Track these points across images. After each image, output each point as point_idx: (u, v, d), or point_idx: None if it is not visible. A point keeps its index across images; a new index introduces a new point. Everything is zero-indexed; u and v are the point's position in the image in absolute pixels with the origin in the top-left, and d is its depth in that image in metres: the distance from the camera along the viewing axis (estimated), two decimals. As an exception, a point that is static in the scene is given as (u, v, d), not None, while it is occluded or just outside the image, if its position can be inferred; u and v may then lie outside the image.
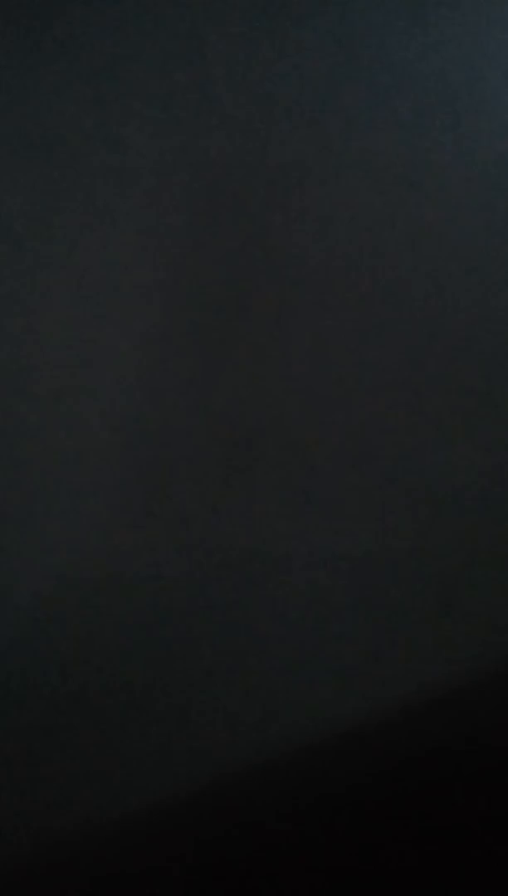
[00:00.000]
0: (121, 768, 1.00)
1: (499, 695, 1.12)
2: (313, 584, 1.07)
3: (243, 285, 1.05)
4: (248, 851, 1.03)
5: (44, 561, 0.98)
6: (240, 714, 1.04)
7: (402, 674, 1.09)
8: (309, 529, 1.07)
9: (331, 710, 1.06)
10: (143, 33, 1.02)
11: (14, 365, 0.98)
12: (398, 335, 1.11)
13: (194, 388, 1.03)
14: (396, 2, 1.12)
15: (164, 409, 1.02)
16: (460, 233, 1.13)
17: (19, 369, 0.99)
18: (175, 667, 1.02)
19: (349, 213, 1.09)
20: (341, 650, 1.07)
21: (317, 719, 1.06)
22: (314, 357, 1.08)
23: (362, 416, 1.09)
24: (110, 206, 1.01)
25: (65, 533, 0.99)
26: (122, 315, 1.01)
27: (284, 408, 1.06)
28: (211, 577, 1.03)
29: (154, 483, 1.02)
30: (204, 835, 1.02)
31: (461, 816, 1.10)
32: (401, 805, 1.08)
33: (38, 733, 0.98)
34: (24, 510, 0.98)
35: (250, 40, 1.06)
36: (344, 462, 1.08)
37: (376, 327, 1.10)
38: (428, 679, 1.10)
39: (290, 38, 1.07)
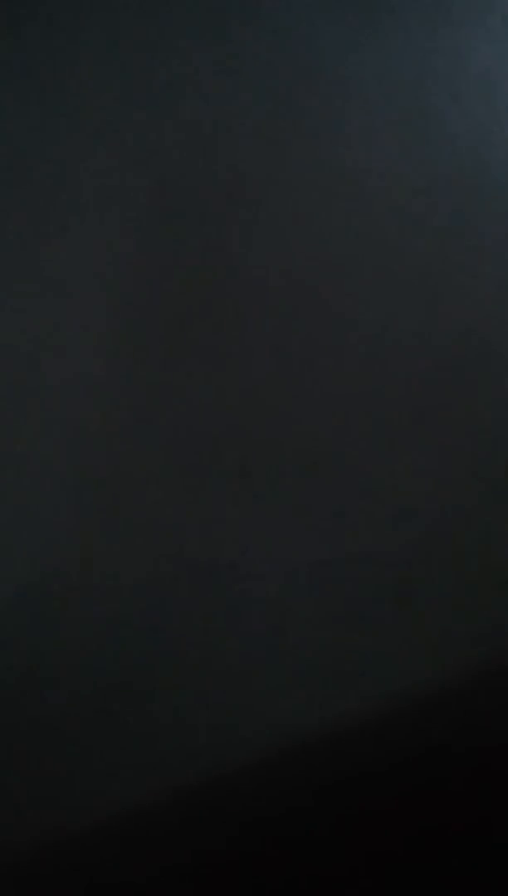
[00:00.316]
0: (73, 776, 1.00)
1: (463, 698, 1.12)
2: (274, 589, 1.07)
3: (201, 289, 1.05)
4: (232, 854, 1.03)
5: (11, 569, 0.99)
6: (202, 721, 1.03)
7: (366, 680, 1.09)
8: (270, 535, 1.07)
9: (295, 719, 1.06)
10: (93, 38, 1.03)
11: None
12: (361, 341, 1.11)
13: (155, 395, 1.03)
14: (351, 10, 1.12)
15: (125, 417, 1.03)
16: (417, 240, 1.14)
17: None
18: (139, 674, 1.02)
19: (308, 224, 1.10)
20: (304, 657, 1.07)
21: (280, 726, 1.06)
22: (273, 364, 1.08)
23: (321, 422, 1.09)
24: (65, 213, 1.01)
25: (25, 541, 0.99)
26: (81, 321, 1.01)
27: (243, 415, 1.07)
28: (172, 584, 1.03)
29: (113, 491, 1.02)
30: (178, 842, 1.02)
31: (440, 818, 1.10)
32: (372, 809, 1.08)
33: (16, 741, 0.98)
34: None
35: (204, 46, 1.06)
36: (305, 468, 1.09)
37: (333, 335, 1.10)
38: (393, 684, 1.10)
39: (246, 44, 1.08)
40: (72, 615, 1.00)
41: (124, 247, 1.03)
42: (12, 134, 1.00)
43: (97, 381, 1.01)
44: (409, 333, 1.13)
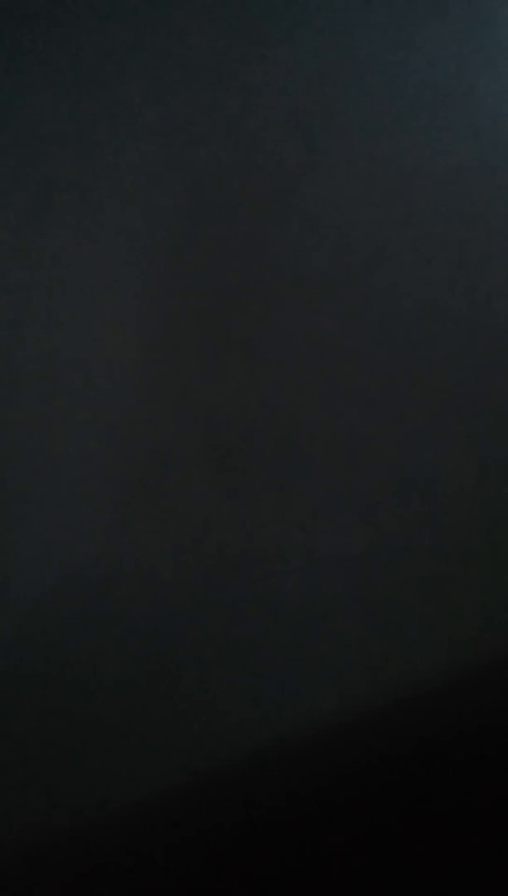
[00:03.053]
0: (119, 763, 1.01)
1: (495, 690, 1.12)
2: (307, 583, 1.07)
3: (235, 287, 1.05)
4: (242, 845, 1.04)
5: (37, 564, 0.99)
6: (235, 713, 1.04)
7: (399, 671, 1.09)
8: (302, 529, 1.07)
9: (327, 709, 1.06)
10: (133, 38, 1.02)
11: (4, 367, 0.99)
12: (390, 335, 1.10)
13: (184, 390, 1.03)
14: (385, 7, 1.11)
15: (155, 411, 1.02)
16: (453, 235, 1.13)
17: (10, 372, 0.99)
18: (171, 667, 1.02)
19: (341, 216, 1.09)
20: (336, 649, 1.07)
21: (313, 718, 1.06)
22: (307, 358, 1.07)
23: (354, 415, 1.09)
24: (104, 210, 1.01)
25: (58, 536, 0.99)
26: (114, 317, 1.01)
27: (275, 408, 1.06)
28: (205, 578, 1.03)
29: (146, 485, 1.02)
30: (193, 830, 1.03)
31: (459, 811, 1.11)
32: (400, 798, 1.09)
33: (34, 733, 0.99)
34: (14, 514, 0.99)
35: (240, 46, 1.05)
36: (337, 461, 1.08)
37: (368, 328, 1.10)
38: (425, 675, 1.10)
39: (282, 35, 1.06)
40: (106, 609, 1.00)
41: (160, 239, 1.02)
42: (51, 126, 0.99)
43: (132, 373, 1.01)
44: (448, 323, 1.12)
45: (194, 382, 1.03)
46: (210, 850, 1.02)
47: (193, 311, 1.03)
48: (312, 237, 1.07)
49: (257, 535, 1.05)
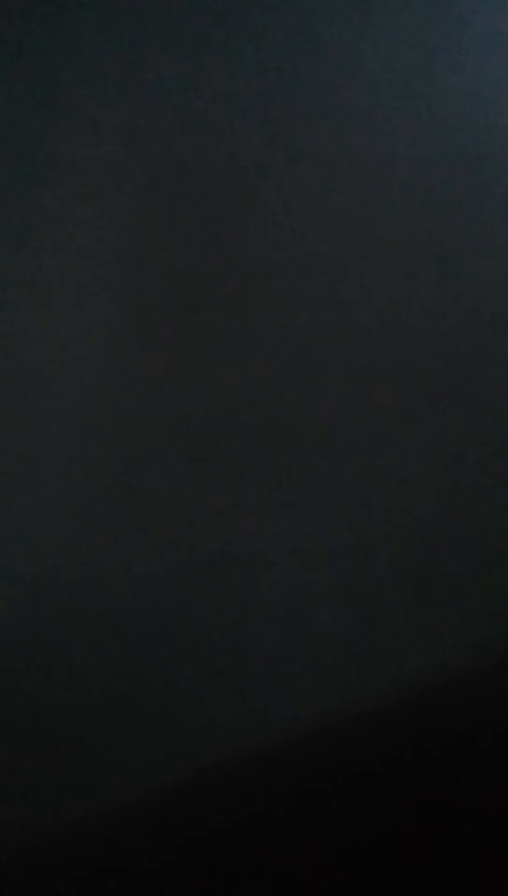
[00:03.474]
0: (99, 764, 1.00)
1: (480, 684, 1.12)
2: (290, 578, 1.06)
3: (202, 279, 1.05)
4: (235, 843, 1.03)
5: (12, 562, 0.98)
6: (220, 709, 1.04)
7: (384, 665, 1.09)
8: (284, 524, 1.06)
9: (313, 705, 1.06)
10: (94, 32, 1.01)
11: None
12: (360, 326, 1.10)
13: (158, 383, 1.03)
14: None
15: (129, 406, 1.02)
16: (419, 225, 1.13)
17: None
18: (150, 665, 1.02)
19: (304, 207, 1.08)
20: (321, 644, 1.07)
21: (299, 714, 1.06)
22: (281, 350, 1.07)
23: (334, 408, 1.09)
24: (63, 202, 1.00)
25: (37, 535, 0.99)
26: (82, 312, 1.01)
27: (254, 403, 1.06)
28: (186, 574, 1.03)
29: (123, 481, 1.02)
30: (187, 830, 1.02)
31: (448, 808, 1.10)
32: (386, 795, 1.08)
33: (21, 731, 0.99)
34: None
35: (201, 36, 1.05)
36: (318, 455, 1.08)
37: (338, 319, 1.09)
38: (410, 669, 1.10)
39: (240, 23, 1.06)
40: (80, 607, 1.00)
41: (124, 234, 1.02)
42: (10, 123, 0.99)
43: (104, 368, 1.01)
44: (414, 315, 1.12)
45: (166, 377, 1.03)
46: (188, 853, 1.02)
47: (162, 305, 1.03)
48: (275, 229, 1.07)
49: (236, 529, 1.05)
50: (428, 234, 1.13)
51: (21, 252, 0.99)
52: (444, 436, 1.13)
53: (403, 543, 1.10)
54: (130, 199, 1.02)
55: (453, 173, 1.14)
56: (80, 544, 1.00)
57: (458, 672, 1.11)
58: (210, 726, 1.03)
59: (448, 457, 1.13)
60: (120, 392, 1.02)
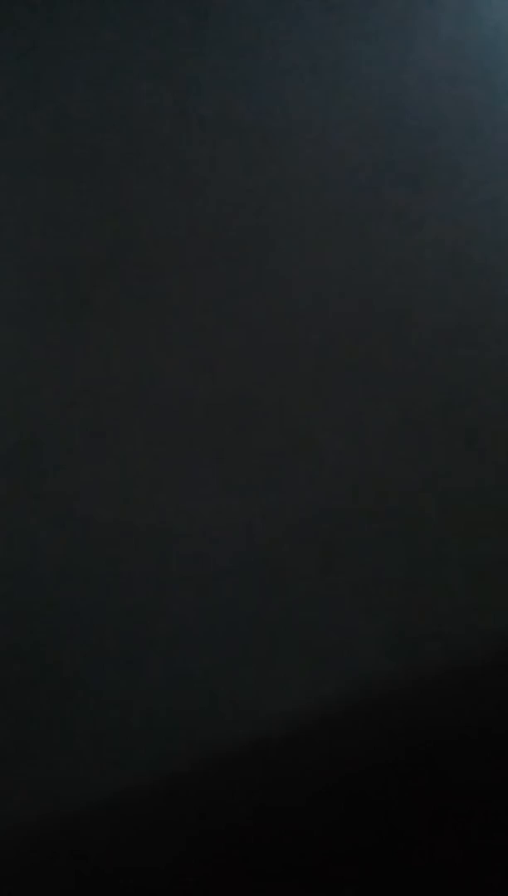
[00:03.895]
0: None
1: (402, 672, 1.11)
2: (199, 554, 1.05)
3: (106, 252, 1.04)
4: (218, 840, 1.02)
5: None
6: (123, 697, 1.02)
7: (298, 648, 1.08)
8: (193, 499, 1.05)
9: (221, 691, 1.05)
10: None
11: None
12: (268, 298, 1.10)
13: (56, 361, 1.02)
14: None
15: (33, 381, 1.01)
16: (334, 195, 1.13)
17: None
18: (60, 648, 1.00)
19: (216, 176, 1.08)
20: (231, 623, 1.06)
21: (208, 702, 1.05)
22: (182, 324, 1.07)
23: (243, 381, 1.08)
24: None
25: None
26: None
27: (160, 375, 1.06)
28: (93, 551, 1.01)
29: (28, 458, 1.00)
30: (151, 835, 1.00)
31: (398, 809, 1.10)
32: (348, 796, 1.07)
33: None
34: None
35: (104, 15, 1.04)
36: (224, 428, 1.07)
37: (245, 292, 1.09)
38: (326, 652, 1.09)
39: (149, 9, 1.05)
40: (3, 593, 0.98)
41: (25, 203, 1.00)
42: None
43: (5, 344, 0.99)
44: (327, 288, 1.12)
45: (71, 353, 1.02)
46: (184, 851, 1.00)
47: (66, 279, 1.03)
48: (184, 195, 1.06)
49: (144, 507, 1.03)
50: (333, 205, 1.13)
51: None
52: (357, 413, 1.13)
53: (313, 519, 1.09)
54: (26, 166, 1.01)
55: (363, 137, 1.14)
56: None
57: (373, 656, 1.10)
58: (109, 712, 1.01)
59: (359, 431, 1.13)
60: (21, 366, 1.00)
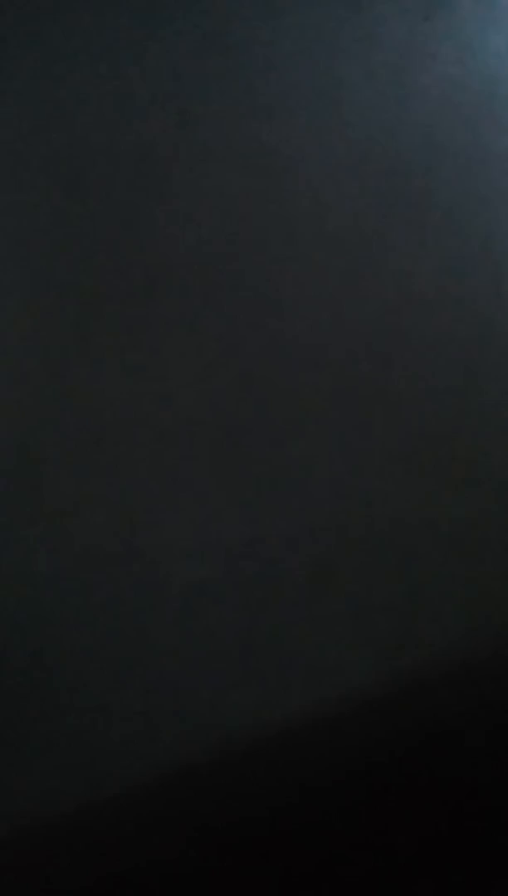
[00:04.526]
0: None
1: (383, 686, 1.12)
2: (191, 574, 1.06)
3: (106, 271, 1.04)
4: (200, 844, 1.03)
5: None
6: (121, 709, 1.03)
7: (287, 662, 1.09)
8: (186, 519, 1.06)
9: (213, 704, 1.06)
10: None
11: None
12: (266, 319, 1.10)
13: (57, 377, 1.02)
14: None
15: (31, 403, 1.01)
16: (329, 217, 1.13)
17: None
18: (57, 664, 1.01)
19: (215, 197, 1.08)
20: (222, 641, 1.07)
21: (200, 715, 1.05)
22: (180, 343, 1.07)
23: (239, 404, 1.09)
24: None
25: None
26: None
27: (159, 396, 1.06)
28: (88, 570, 1.02)
29: (25, 477, 1.01)
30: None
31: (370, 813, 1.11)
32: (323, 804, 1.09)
33: None
34: None
35: (110, 25, 1.05)
36: (218, 450, 1.08)
37: (246, 310, 1.09)
38: (312, 667, 1.10)
39: (154, 16, 1.06)
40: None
41: (28, 223, 1.01)
42: None
43: (6, 361, 1.00)
44: (323, 317, 1.13)
45: (69, 372, 1.02)
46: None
47: (68, 298, 1.02)
48: (184, 219, 1.07)
49: (138, 527, 1.04)
50: (331, 236, 1.14)
51: None
52: (353, 437, 1.14)
53: (300, 539, 1.11)
54: (30, 187, 1.01)
55: (363, 169, 1.15)
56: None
57: (359, 670, 1.12)
58: (94, 736, 1.02)
59: (350, 456, 1.14)
60: (20, 384, 1.00)
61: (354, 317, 1.14)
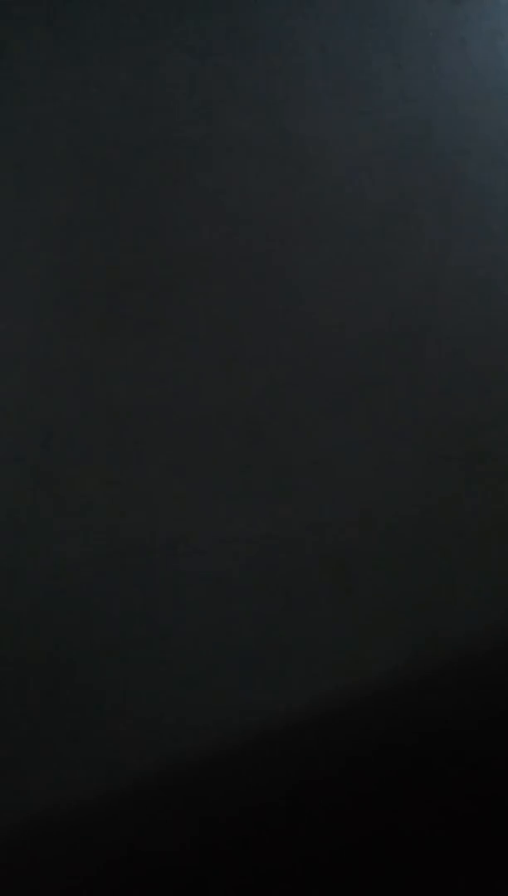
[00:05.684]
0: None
1: (402, 673, 1.12)
2: (214, 566, 1.06)
3: (133, 265, 1.03)
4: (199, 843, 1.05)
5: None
6: (143, 699, 1.03)
7: (307, 655, 1.10)
8: (209, 511, 1.06)
9: (234, 696, 1.06)
10: (27, 12, 1.01)
11: None
12: (289, 313, 1.10)
13: (84, 372, 1.02)
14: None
15: (61, 390, 1.01)
16: (353, 211, 1.13)
17: None
18: (80, 653, 1.01)
19: (239, 190, 1.08)
20: (243, 633, 1.07)
21: (221, 706, 1.06)
22: (207, 338, 1.07)
23: (260, 398, 1.08)
24: None
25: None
26: (10, 299, 1.00)
27: (181, 391, 1.05)
28: (112, 561, 1.02)
29: (50, 469, 1.00)
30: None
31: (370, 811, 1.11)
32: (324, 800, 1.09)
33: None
34: None
35: (136, 20, 1.04)
36: (240, 442, 1.08)
37: (271, 306, 1.09)
38: (331, 661, 1.10)
39: (182, 11, 1.06)
40: (7, 594, 1.00)
41: (57, 217, 1.00)
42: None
43: (30, 355, 1.00)
44: (348, 308, 1.12)
45: (93, 364, 1.02)
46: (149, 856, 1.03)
47: (91, 290, 1.02)
48: (210, 210, 1.06)
49: (161, 518, 1.04)
50: (358, 226, 1.13)
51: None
52: (372, 434, 1.13)
53: (324, 532, 1.11)
54: (58, 182, 1.01)
55: (392, 156, 1.14)
56: (6, 532, 0.99)
57: (381, 662, 1.11)
58: (123, 722, 1.02)
59: (373, 449, 1.13)
60: (42, 379, 1.00)
61: (381, 307, 1.13)
